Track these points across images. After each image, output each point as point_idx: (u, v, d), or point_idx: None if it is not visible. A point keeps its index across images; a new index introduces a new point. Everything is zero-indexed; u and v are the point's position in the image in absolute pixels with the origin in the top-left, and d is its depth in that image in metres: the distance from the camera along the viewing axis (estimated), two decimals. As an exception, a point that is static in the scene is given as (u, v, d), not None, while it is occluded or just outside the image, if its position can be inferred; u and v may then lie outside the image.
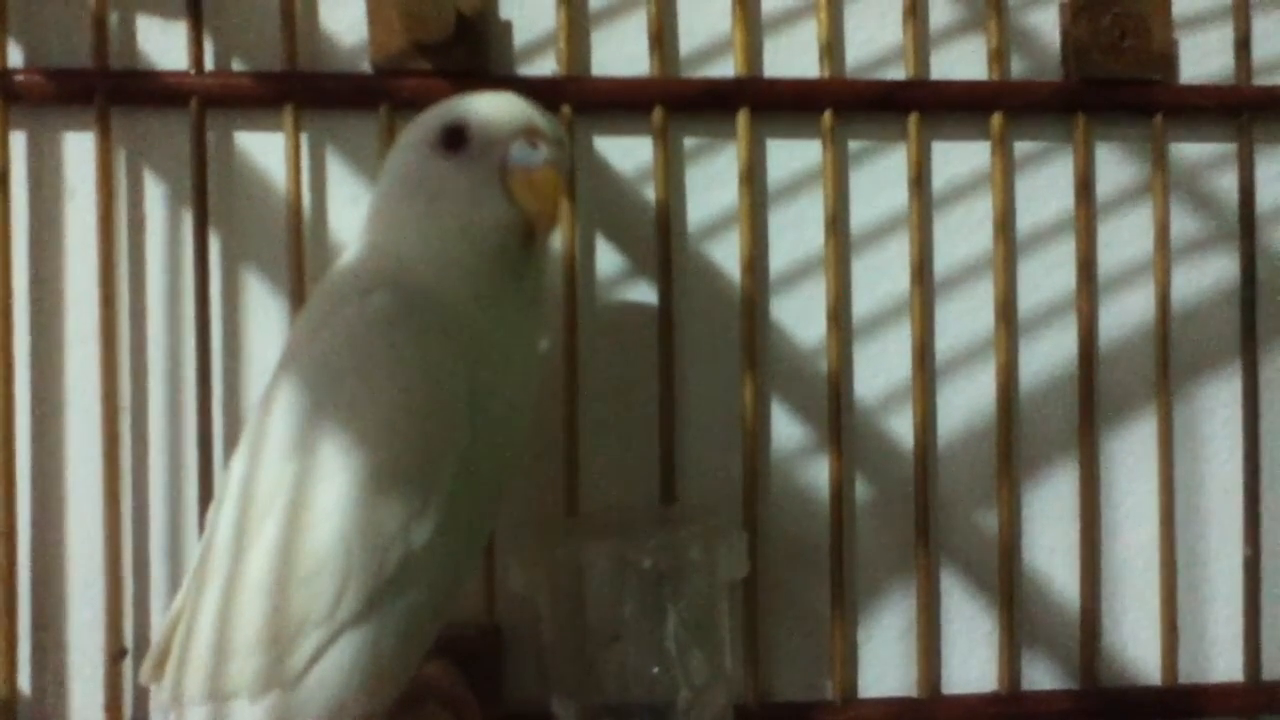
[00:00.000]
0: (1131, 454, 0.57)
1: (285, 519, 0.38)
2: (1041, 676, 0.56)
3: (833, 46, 0.55)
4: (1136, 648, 0.57)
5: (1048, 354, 0.57)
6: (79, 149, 0.52)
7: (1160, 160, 0.56)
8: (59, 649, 0.52)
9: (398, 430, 0.38)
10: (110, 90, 0.51)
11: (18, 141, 0.52)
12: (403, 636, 0.39)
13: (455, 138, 0.42)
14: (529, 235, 0.42)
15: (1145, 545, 0.56)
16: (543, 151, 0.41)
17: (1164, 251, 0.56)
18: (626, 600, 0.48)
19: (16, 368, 0.51)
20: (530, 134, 0.41)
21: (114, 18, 0.52)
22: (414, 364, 0.39)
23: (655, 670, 0.48)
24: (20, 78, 0.51)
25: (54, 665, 0.52)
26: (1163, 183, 0.56)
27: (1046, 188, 0.57)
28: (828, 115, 0.54)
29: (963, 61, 0.56)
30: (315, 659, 0.37)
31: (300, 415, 0.39)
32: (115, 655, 0.50)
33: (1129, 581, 0.57)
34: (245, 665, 0.37)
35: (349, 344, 0.40)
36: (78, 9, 0.51)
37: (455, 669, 0.48)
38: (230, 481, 0.40)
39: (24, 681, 0.51)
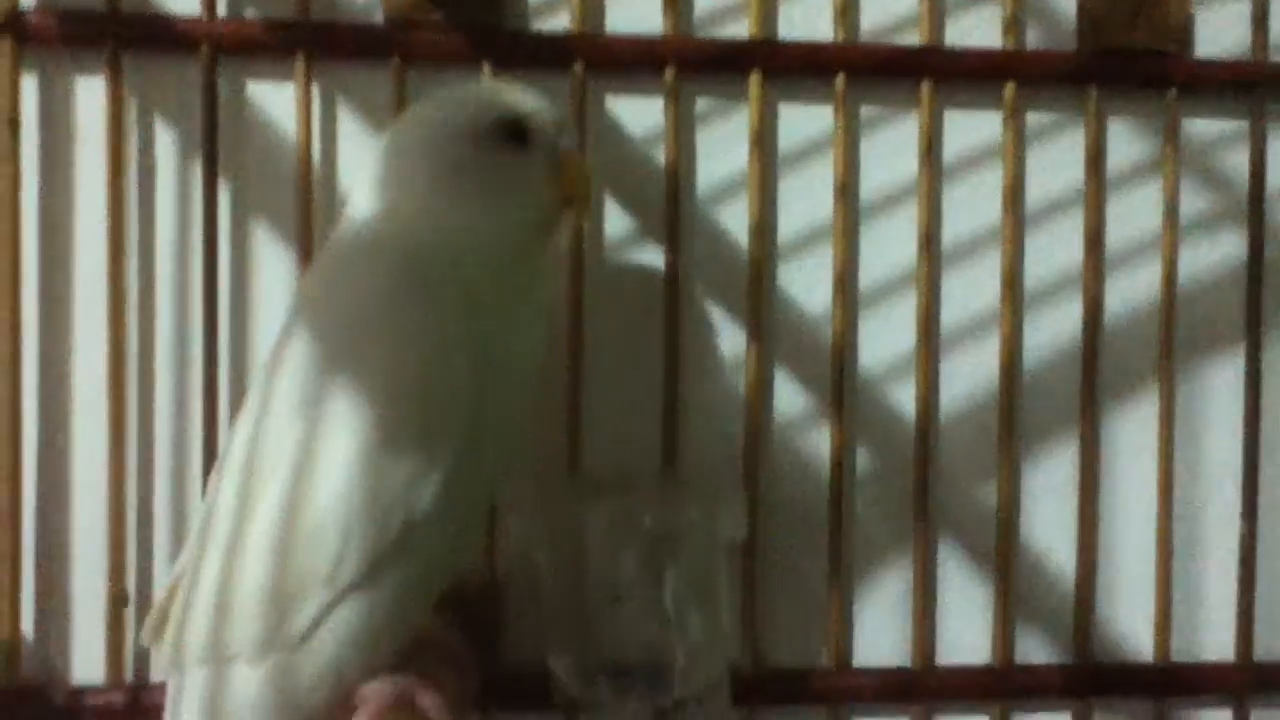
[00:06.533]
0: (1132, 431, 0.57)
1: (288, 482, 0.38)
2: (1035, 650, 0.56)
3: (847, 10, 0.54)
4: (1130, 625, 0.57)
5: (1052, 329, 0.57)
6: (90, 94, 0.52)
7: (1172, 135, 0.56)
8: (63, 597, 0.52)
9: (402, 397, 0.38)
10: (122, 35, 0.51)
11: (29, 84, 0.52)
12: (403, 602, 0.39)
13: (517, 132, 0.43)
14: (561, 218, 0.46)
15: (1143, 523, 0.56)
16: (573, 141, 0.46)
17: (1172, 228, 0.56)
18: (626, 559, 0.49)
19: (25, 314, 0.51)
20: (565, 126, 0.45)
21: (127, -39, 0.52)
22: (421, 332, 0.39)
23: (653, 630, 0.48)
24: (32, 19, 0.50)
25: (57, 613, 0.52)
26: (1174, 158, 0.56)
27: (1057, 160, 0.56)
28: (840, 79, 0.54)
29: (978, 30, 0.56)
30: (316, 623, 0.38)
31: (306, 379, 0.39)
32: (117, 598, 0.51)
33: (1125, 559, 0.57)
34: (246, 628, 0.38)
35: (357, 310, 0.40)
36: (91, -48, 0.51)
37: (454, 624, 0.48)
38: (235, 444, 0.40)
39: (28, 628, 0.51)
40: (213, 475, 0.43)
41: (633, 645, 0.49)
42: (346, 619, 0.38)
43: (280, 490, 0.38)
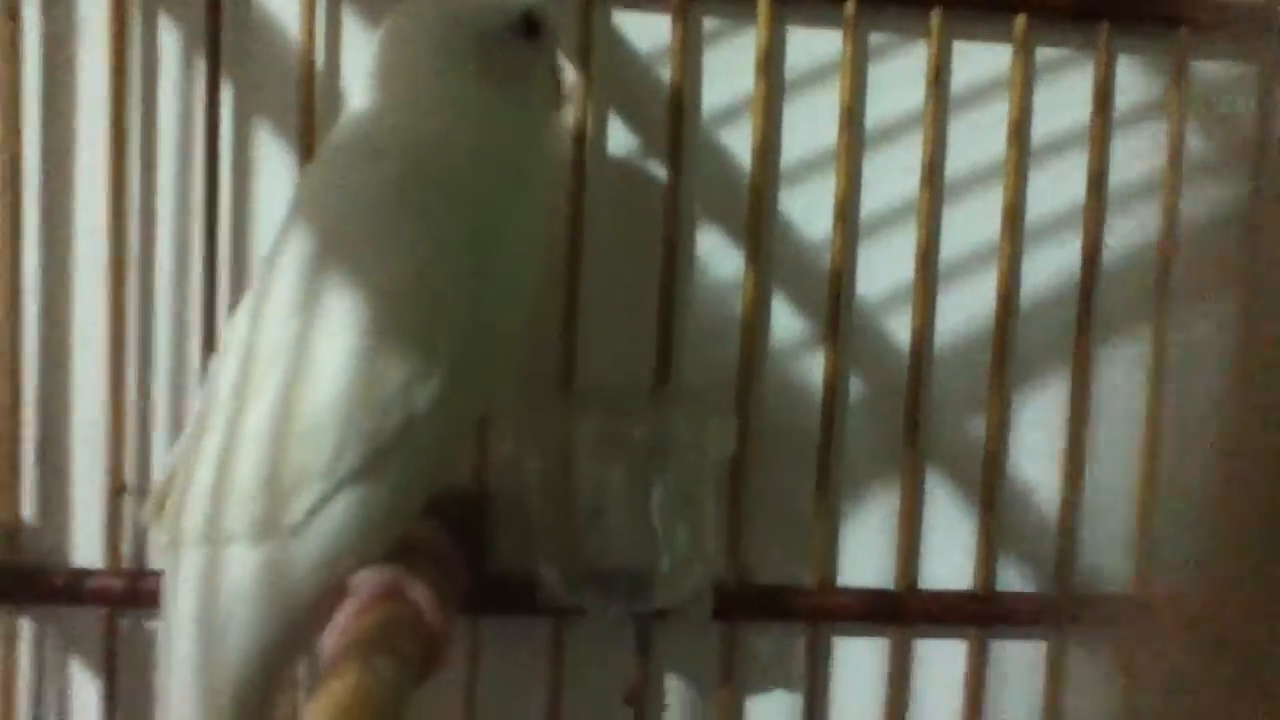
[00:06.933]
0: (1124, 369, 0.57)
1: (288, 374, 0.38)
2: (1015, 578, 0.57)
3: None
4: (1111, 557, 0.58)
5: (1050, 265, 0.57)
6: (93, -10, 0.52)
7: (1180, 76, 0.56)
8: (63, 481, 0.53)
9: (402, 294, 0.39)
10: (128, -72, 0.50)
11: (31, -20, 0.51)
12: (398, 497, 0.40)
13: (533, 27, 0.44)
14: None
15: (1128, 459, 0.57)
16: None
17: (1176, 170, 0.56)
18: (614, 471, 0.49)
19: (26, 210, 0.51)
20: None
21: None
22: (423, 230, 0.40)
23: (639, 540, 0.49)
24: (36, -91, 0.50)
25: (57, 496, 0.53)
26: (1181, 99, 0.56)
27: (1064, 96, 0.56)
28: (851, 5, 0.54)
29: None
30: (313, 512, 0.38)
31: (306, 274, 0.39)
32: (116, 490, 0.52)
33: (1110, 493, 0.57)
34: (243, 511, 0.38)
35: (359, 206, 0.40)
36: None
37: (443, 529, 0.49)
38: (233, 337, 0.41)
39: (29, 511, 0.53)
40: (211, 365, 0.43)
41: (618, 555, 0.50)
42: (342, 510, 0.39)
43: (280, 382, 0.38)
